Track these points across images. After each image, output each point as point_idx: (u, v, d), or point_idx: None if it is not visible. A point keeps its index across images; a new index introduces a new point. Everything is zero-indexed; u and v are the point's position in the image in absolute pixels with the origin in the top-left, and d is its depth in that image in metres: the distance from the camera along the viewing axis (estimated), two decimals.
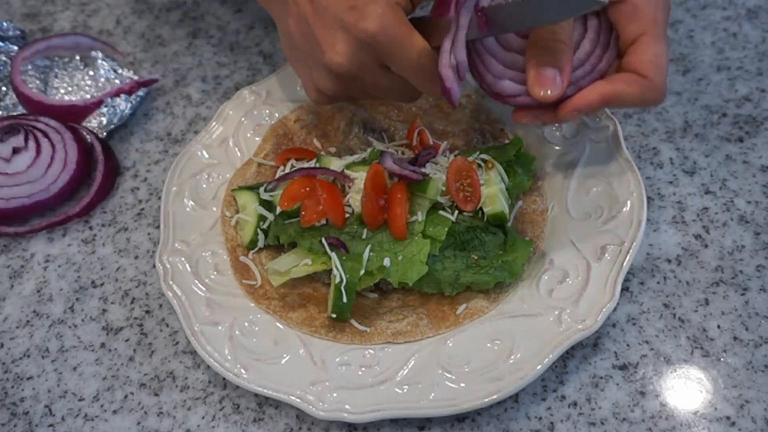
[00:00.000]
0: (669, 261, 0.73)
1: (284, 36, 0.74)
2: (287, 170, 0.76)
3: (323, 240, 0.68)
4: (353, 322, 0.68)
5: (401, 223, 0.67)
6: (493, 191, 0.70)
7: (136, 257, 0.79)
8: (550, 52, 0.62)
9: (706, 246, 0.74)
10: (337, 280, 0.66)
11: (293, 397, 0.64)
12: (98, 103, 0.87)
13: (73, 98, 0.90)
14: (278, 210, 0.71)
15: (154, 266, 0.75)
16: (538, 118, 0.66)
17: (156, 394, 0.69)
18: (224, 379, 0.68)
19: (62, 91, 0.91)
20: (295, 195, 0.70)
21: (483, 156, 0.72)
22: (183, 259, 0.72)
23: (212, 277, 0.72)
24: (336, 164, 0.73)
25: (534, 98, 0.63)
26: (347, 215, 0.69)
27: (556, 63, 0.62)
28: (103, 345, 0.73)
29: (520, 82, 0.65)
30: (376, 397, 0.63)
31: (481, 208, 0.70)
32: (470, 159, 0.72)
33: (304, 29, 0.69)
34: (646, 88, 0.62)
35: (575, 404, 0.66)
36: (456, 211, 0.69)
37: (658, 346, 0.68)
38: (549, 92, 0.62)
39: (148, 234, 0.80)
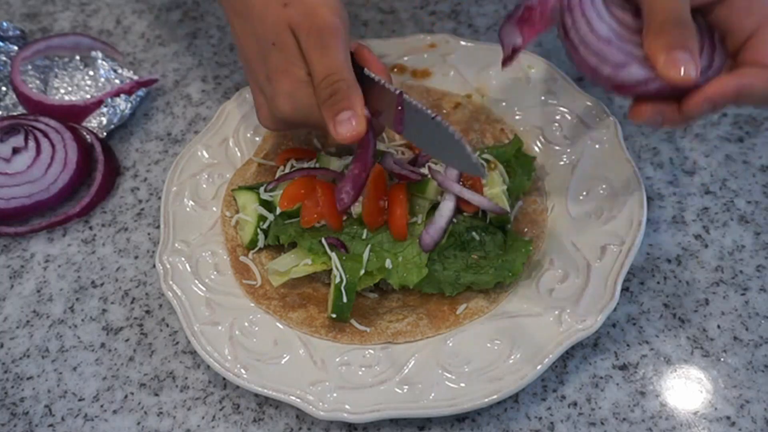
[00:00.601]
0: (669, 261, 0.73)
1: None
2: (287, 170, 0.76)
3: (323, 240, 0.68)
4: (353, 322, 0.68)
5: (402, 224, 0.67)
6: (496, 192, 0.70)
7: (136, 257, 0.79)
8: (678, 35, 0.56)
9: (706, 246, 0.74)
10: (337, 280, 0.66)
11: (293, 397, 0.64)
12: (98, 103, 0.87)
13: (73, 98, 0.90)
14: (278, 210, 0.71)
15: (154, 266, 0.75)
16: (661, 113, 0.58)
17: (156, 394, 0.69)
18: (224, 379, 0.68)
19: (62, 91, 0.91)
20: (295, 195, 0.70)
21: (486, 156, 0.72)
22: (183, 259, 0.72)
23: (212, 277, 0.72)
24: (336, 164, 0.73)
25: (670, 82, 0.55)
26: (347, 215, 0.69)
27: (686, 46, 0.55)
28: (103, 345, 0.73)
29: (647, 68, 0.57)
30: (376, 397, 0.63)
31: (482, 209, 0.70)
32: None
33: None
34: None
35: (575, 404, 0.66)
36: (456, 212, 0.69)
37: (658, 346, 0.68)
38: (688, 74, 0.55)
39: (148, 234, 0.80)
